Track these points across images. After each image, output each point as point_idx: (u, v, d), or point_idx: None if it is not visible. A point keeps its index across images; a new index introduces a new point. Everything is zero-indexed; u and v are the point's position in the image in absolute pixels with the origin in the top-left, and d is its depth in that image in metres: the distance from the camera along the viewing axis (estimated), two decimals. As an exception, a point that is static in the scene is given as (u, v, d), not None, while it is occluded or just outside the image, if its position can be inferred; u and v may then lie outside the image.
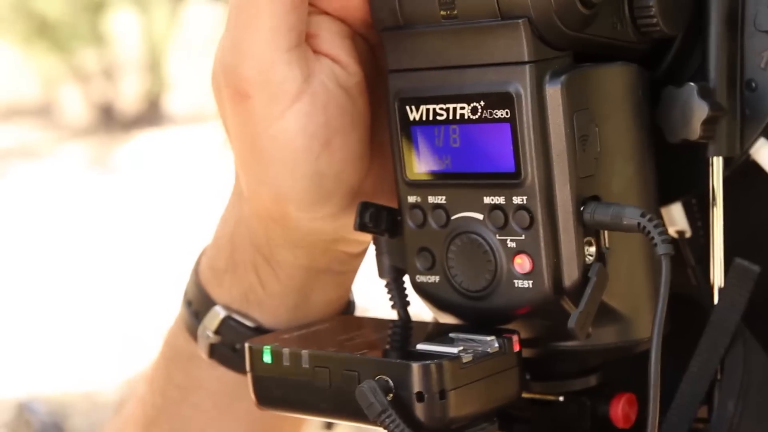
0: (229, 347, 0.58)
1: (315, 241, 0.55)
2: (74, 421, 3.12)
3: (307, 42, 0.51)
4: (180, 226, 4.52)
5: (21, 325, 4.03)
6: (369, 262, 0.56)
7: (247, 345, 0.52)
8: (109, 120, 7.51)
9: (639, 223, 0.46)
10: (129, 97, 7.64)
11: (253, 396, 0.52)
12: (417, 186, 0.51)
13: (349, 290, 0.60)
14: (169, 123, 7.29)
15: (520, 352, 0.49)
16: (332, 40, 0.52)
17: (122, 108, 7.60)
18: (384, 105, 0.53)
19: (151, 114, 7.48)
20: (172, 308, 0.63)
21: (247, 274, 0.57)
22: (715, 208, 0.52)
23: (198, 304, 0.59)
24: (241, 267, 0.57)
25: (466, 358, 0.46)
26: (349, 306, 0.61)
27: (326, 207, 0.52)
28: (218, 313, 0.58)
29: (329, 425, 0.66)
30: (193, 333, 0.59)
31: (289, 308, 0.58)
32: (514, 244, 0.48)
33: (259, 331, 0.57)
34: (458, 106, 0.49)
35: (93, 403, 3.26)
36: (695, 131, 0.50)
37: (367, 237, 0.55)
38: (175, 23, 7.54)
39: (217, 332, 0.58)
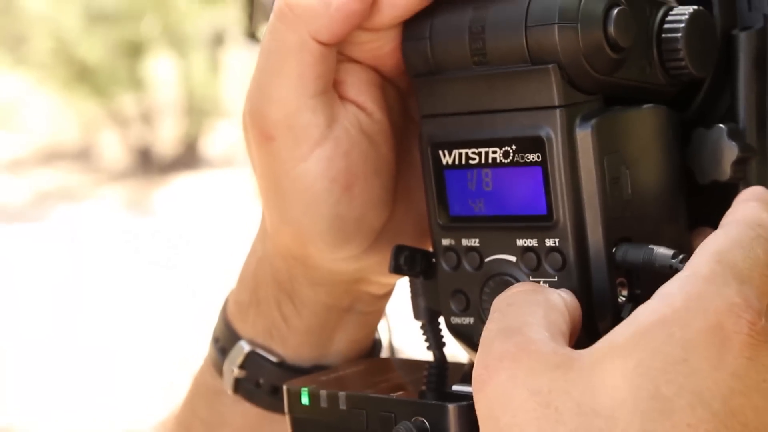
0: (254, 383, 0.59)
1: (336, 281, 0.56)
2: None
3: (334, 88, 0.52)
4: (217, 269, 4.55)
5: (56, 366, 4.06)
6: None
7: (285, 387, 0.53)
8: (147, 163, 7.58)
9: (671, 265, 0.47)
10: (166, 140, 7.71)
11: (291, 437, 0.52)
12: (451, 229, 0.51)
13: (374, 331, 0.61)
14: (206, 166, 7.35)
15: (554, 393, 0.49)
16: (359, 87, 0.53)
17: (160, 151, 7.67)
18: (411, 150, 0.54)
19: (188, 157, 7.55)
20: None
21: (271, 310, 0.58)
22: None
23: (224, 340, 0.60)
24: (264, 303, 0.58)
25: (501, 398, 0.47)
26: (375, 346, 0.62)
27: (347, 249, 0.53)
28: (243, 348, 0.59)
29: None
30: (219, 369, 0.60)
31: (312, 346, 0.58)
32: (547, 286, 0.49)
33: (283, 366, 0.58)
34: (490, 150, 0.49)
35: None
36: (725, 172, 0.50)
37: (391, 279, 0.56)
38: (214, 68, 7.62)
39: (242, 367, 0.59)
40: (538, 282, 0.49)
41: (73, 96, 7.81)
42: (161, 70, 7.63)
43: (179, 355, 3.78)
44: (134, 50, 7.50)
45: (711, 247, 0.44)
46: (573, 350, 0.43)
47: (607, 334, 0.43)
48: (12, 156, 8.07)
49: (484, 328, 0.45)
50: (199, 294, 4.44)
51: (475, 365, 0.44)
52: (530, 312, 0.45)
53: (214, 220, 5.84)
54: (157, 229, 5.93)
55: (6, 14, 7.61)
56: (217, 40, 7.50)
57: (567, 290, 0.47)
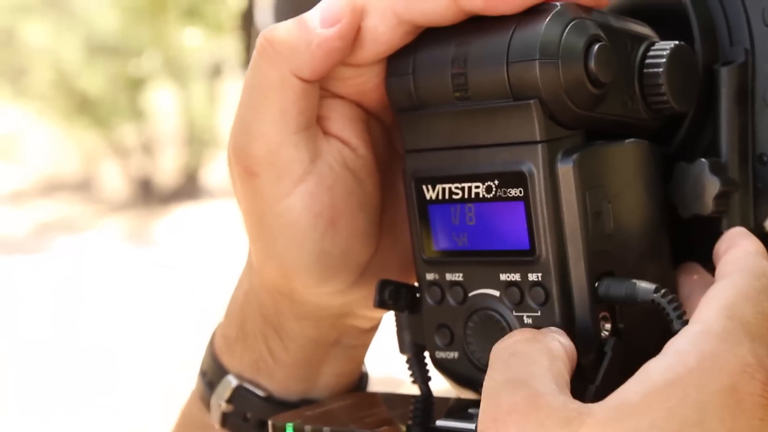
0: (241, 417, 0.59)
1: (323, 315, 0.56)
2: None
3: (318, 123, 0.53)
4: (218, 299, 4.54)
5: (56, 373, 4.05)
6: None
7: (270, 422, 0.53)
8: (148, 194, 7.59)
9: (653, 299, 0.47)
10: (167, 171, 7.73)
11: (276, 472, 0.52)
12: (435, 263, 0.52)
13: (361, 364, 0.61)
14: (206, 197, 7.36)
15: (538, 427, 0.49)
16: (343, 122, 0.53)
17: (160, 182, 7.68)
18: (396, 184, 0.54)
19: (188, 188, 7.56)
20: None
21: (258, 344, 0.58)
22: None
23: (212, 374, 0.60)
24: (251, 337, 0.59)
25: (484, 433, 0.47)
26: (362, 379, 0.62)
27: (332, 283, 0.53)
28: (230, 383, 0.59)
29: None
30: (206, 402, 0.60)
31: (299, 379, 0.58)
32: (530, 321, 0.49)
33: (270, 400, 0.58)
34: (473, 185, 0.50)
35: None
36: (707, 206, 0.50)
37: (378, 313, 0.56)
38: (213, 99, 7.65)
39: (229, 401, 0.59)
40: (522, 317, 0.49)
41: (73, 127, 7.84)
42: (161, 101, 7.66)
43: (179, 356, 3.77)
44: (134, 82, 7.53)
45: (720, 301, 0.44)
46: (583, 404, 0.42)
47: (618, 389, 0.42)
48: (13, 187, 8.08)
49: (487, 378, 0.44)
50: (200, 294, 4.44)
51: (481, 416, 0.43)
52: (534, 362, 0.44)
53: (215, 250, 5.84)
54: (158, 259, 5.93)
55: (6, 46, 7.64)
56: (216, 71, 7.53)
57: (562, 333, 0.47)
